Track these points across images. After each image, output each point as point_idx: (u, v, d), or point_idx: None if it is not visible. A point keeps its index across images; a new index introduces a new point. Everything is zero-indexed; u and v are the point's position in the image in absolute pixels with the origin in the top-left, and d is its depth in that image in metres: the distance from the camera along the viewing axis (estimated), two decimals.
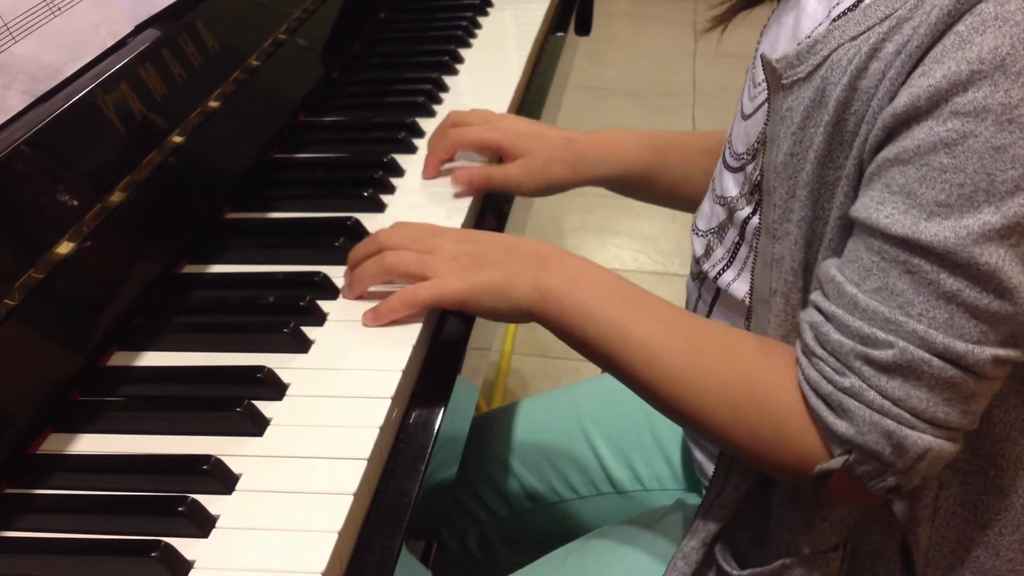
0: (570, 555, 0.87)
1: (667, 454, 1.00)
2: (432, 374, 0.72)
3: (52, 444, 0.65)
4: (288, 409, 0.66)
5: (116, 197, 0.73)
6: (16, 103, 0.69)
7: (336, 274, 0.78)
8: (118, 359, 0.72)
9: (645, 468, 1.01)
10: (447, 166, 0.93)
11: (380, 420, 0.64)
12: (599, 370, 0.79)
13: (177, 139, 0.81)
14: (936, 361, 0.59)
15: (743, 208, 0.76)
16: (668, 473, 1.00)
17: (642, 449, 1.01)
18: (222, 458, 0.61)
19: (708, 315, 0.83)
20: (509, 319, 0.74)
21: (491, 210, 0.92)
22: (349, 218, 0.85)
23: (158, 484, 0.61)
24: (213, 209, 0.88)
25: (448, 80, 1.12)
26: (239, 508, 0.59)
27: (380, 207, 0.89)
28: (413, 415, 0.68)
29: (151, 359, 0.72)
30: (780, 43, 0.76)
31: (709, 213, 0.83)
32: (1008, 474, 0.70)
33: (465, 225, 0.87)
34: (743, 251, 0.77)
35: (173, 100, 0.82)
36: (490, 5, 1.31)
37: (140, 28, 0.83)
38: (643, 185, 0.96)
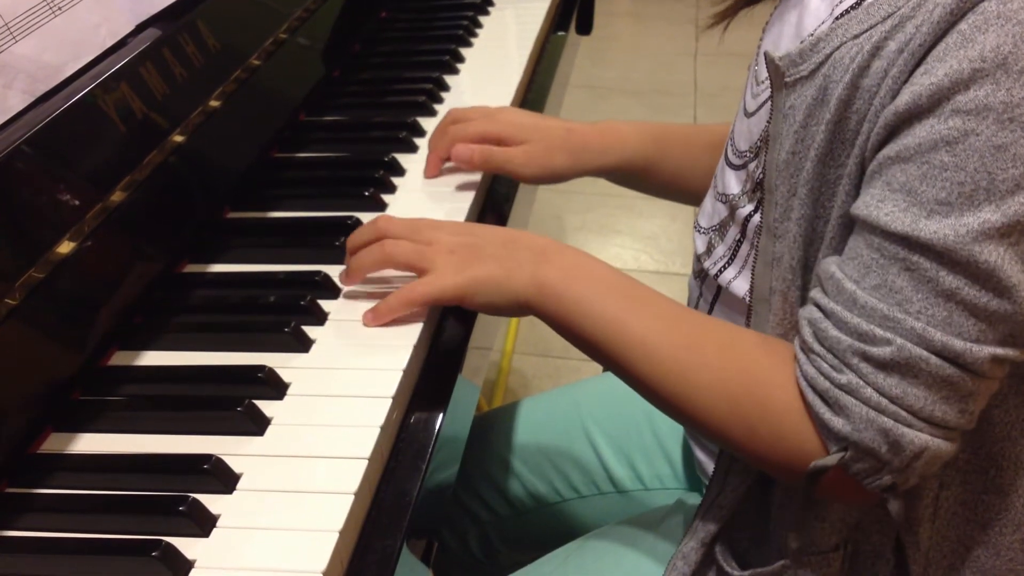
0: (571, 555, 0.87)
1: (668, 453, 1.00)
2: (433, 374, 0.72)
3: (53, 443, 0.65)
4: (289, 408, 0.66)
5: (117, 196, 0.73)
6: (16, 103, 0.69)
7: (337, 274, 0.78)
8: (119, 358, 0.72)
9: (646, 467, 1.01)
10: (448, 165, 0.93)
11: (381, 419, 0.64)
12: (600, 369, 0.79)
13: (178, 138, 0.81)
14: (934, 359, 0.59)
15: (745, 206, 0.76)
16: (669, 472, 1.00)
17: (643, 448, 1.01)
18: (223, 457, 0.61)
19: (709, 313, 0.83)
20: (507, 313, 0.74)
21: (492, 210, 0.92)
22: (350, 217, 0.85)
23: (159, 483, 0.61)
24: (214, 208, 0.88)
25: (449, 79, 1.12)
26: (240, 507, 0.59)
27: (381, 206, 0.89)
28: (414, 415, 0.68)
29: (152, 358, 0.72)
30: (783, 41, 0.76)
31: (711, 210, 0.83)
32: (1008, 474, 0.70)
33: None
34: (744, 249, 0.77)
35: (174, 99, 0.82)
36: (491, 4, 1.31)
37: (141, 27, 0.83)
38: (644, 176, 0.96)
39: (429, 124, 1.01)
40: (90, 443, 0.65)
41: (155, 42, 0.82)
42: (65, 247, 0.67)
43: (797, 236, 0.68)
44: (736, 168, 0.79)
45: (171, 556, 0.55)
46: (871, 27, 0.63)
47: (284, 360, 0.70)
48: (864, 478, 0.62)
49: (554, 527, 1.01)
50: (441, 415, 0.68)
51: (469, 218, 0.88)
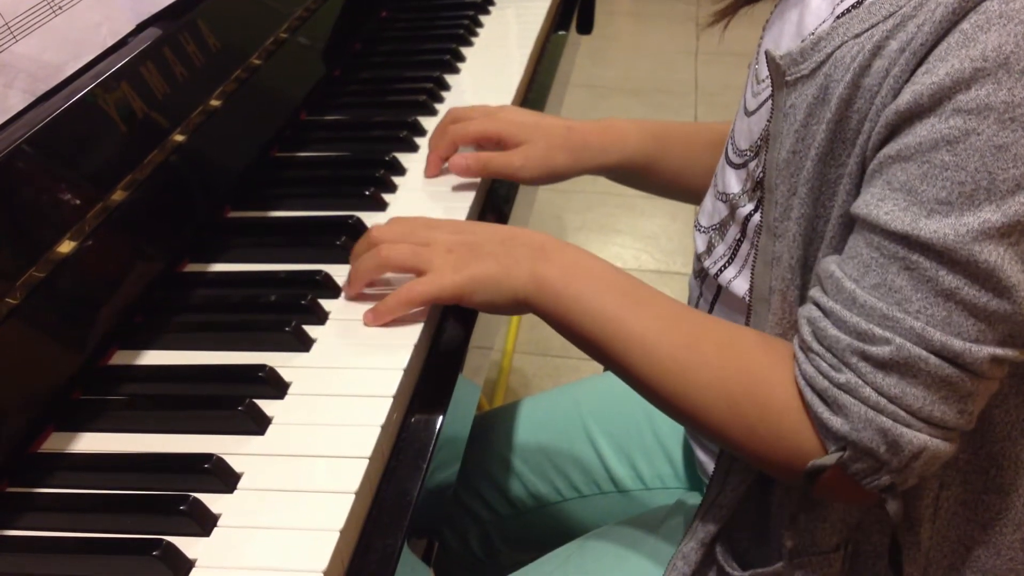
0: (571, 554, 0.87)
1: (669, 453, 1.00)
2: (434, 373, 0.72)
3: (54, 443, 0.65)
4: (290, 408, 0.66)
5: (117, 196, 0.73)
6: (17, 102, 0.69)
7: (338, 273, 0.78)
8: (120, 358, 0.72)
9: (647, 467, 1.01)
10: (451, 159, 0.92)
11: (382, 419, 0.64)
12: (601, 369, 0.79)
13: (178, 138, 0.81)
14: (933, 359, 0.59)
15: (745, 205, 0.76)
16: (670, 472, 1.00)
17: (644, 448, 1.01)
18: (224, 457, 0.61)
19: (709, 313, 0.83)
20: (506, 311, 0.73)
21: (492, 210, 0.92)
22: (351, 217, 0.85)
23: (160, 483, 0.61)
24: (215, 208, 0.88)
25: (450, 79, 1.12)
26: (241, 507, 0.59)
27: (382, 206, 0.89)
28: (415, 414, 0.68)
29: (153, 358, 0.72)
30: (784, 39, 0.75)
31: (711, 209, 0.83)
32: (1009, 473, 0.70)
33: None
34: (744, 248, 0.77)
35: (174, 99, 0.81)
36: (492, 4, 1.31)
37: (141, 27, 0.83)
38: (644, 174, 0.96)
39: (430, 123, 1.01)
40: (91, 442, 0.65)
41: (156, 41, 0.82)
42: (66, 246, 0.67)
43: (797, 235, 0.68)
44: (736, 167, 0.79)
45: (172, 555, 0.55)
46: (872, 26, 0.63)
47: (285, 359, 0.70)
48: (863, 478, 0.62)
49: (555, 526, 1.01)
50: (442, 414, 0.68)
51: (470, 217, 0.88)
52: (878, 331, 0.60)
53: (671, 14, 3.66)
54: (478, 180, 0.91)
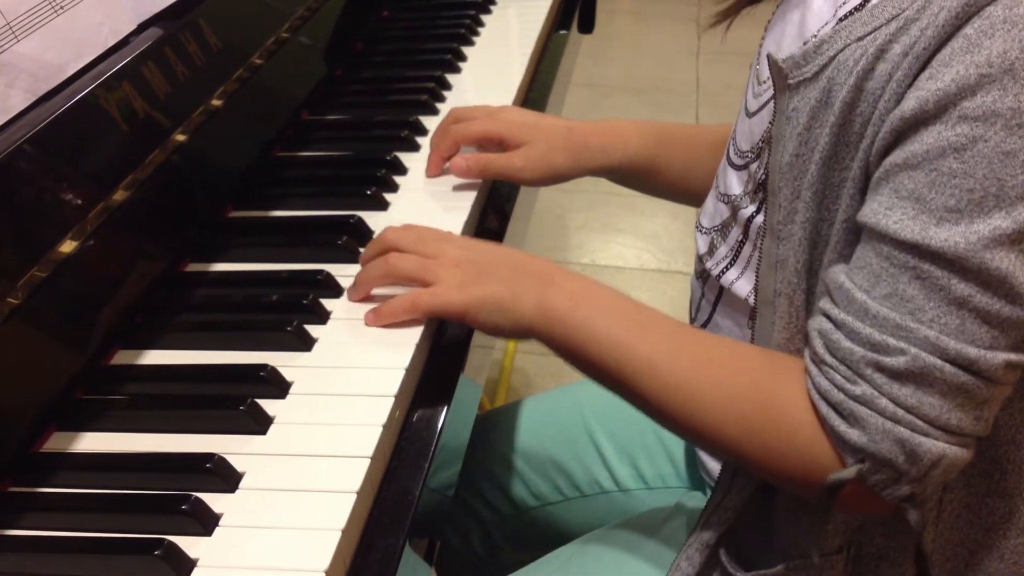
0: (573, 555, 0.87)
1: (670, 452, 1.00)
2: (435, 372, 0.72)
3: (56, 442, 0.65)
4: (291, 407, 0.66)
5: (119, 196, 0.73)
6: (19, 102, 0.69)
7: (339, 272, 0.78)
8: (121, 357, 0.72)
9: (649, 466, 1.00)
10: (452, 160, 0.92)
11: (383, 418, 0.64)
12: None
13: (180, 137, 0.81)
14: (948, 367, 0.58)
15: (747, 206, 0.76)
16: (672, 471, 1.00)
17: (646, 447, 1.01)
18: (225, 456, 0.61)
19: (711, 313, 0.83)
20: (510, 336, 0.73)
21: (494, 209, 0.92)
22: (352, 216, 0.85)
23: (161, 482, 0.61)
24: (216, 207, 0.87)
25: (451, 78, 1.12)
26: (242, 506, 0.59)
27: (383, 205, 0.88)
28: (416, 413, 0.68)
29: (154, 357, 0.72)
30: (785, 41, 0.75)
31: (713, 210, 0.83)
32: (1013, 477, 0.70)
33: (468, 223, 0.86)
34: (747, 249, 0.77)
35: (176, 98, 0.82)
36: (493, 3, 1.31)
37: (143, 27, 0.83)
38: (645, 176, 0.96)
39: (431, 123, 1.01)
40: (93, 442, 0.65)
41: (157, 41, 0.82)
42: (67, 246, 0.67)
43: (802, 239, 0.67)
44: (738, 168, 0.79)
45: (174, 555, 0.55)
46: (875, 29, 0.63)
47: (286, 359, 0.70)
48: (882, 489, 0.61)
49: (557, 526, 1.01)
50: (443, 414, 0.68)
51: (471, 216, 0.88)
52: (892, 342, 0.59)
53: (672, 13, 3.65)
54: (479, 180, 0.91)
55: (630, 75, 3.26)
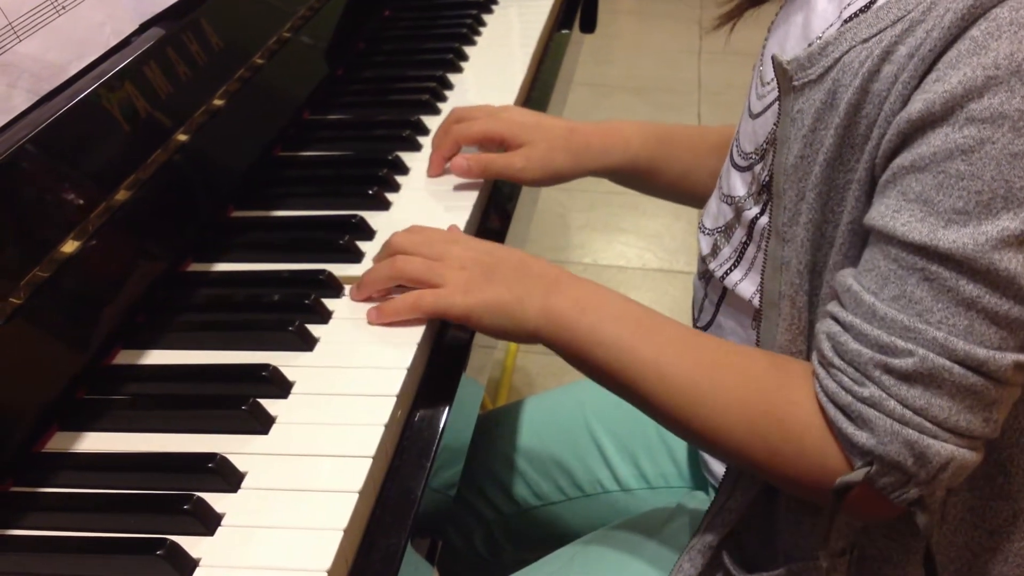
0: (575, 554, 0.87)
1: (672, 452, 1.00)
2: (437, 372, 0.72)
3: (58, 442, 0.65)
4: (293, 407, 0.66)
5: (121, 196, 0.73)
6: (20, 102, 0.69)
7: (341, 272, 0.78)
8: (123, 357, 0.72)
9: (651, 466, 1.00)
10: (453, 160, 0.92)
11: (385, 418, 0.64)
12: None
13: (182, 137, 0.81)
14: (957, 368, 0.58)
15: (751, 208, 0.76)
16: (674, 471, 1.00)
17: (647, 447, 1.01)
18: (227, 456, 0.61)
19: (715, 314, 0.83)
20: (513, 339, 0.73)
21: (496, 208, 0.92)
22: (354, 216, 0.85)
23: (163, 482, 0.61)
24: (218, 207, 0.88)
25: (453, 78, 1.11)
26: (244, 506, 0.59)
27: (385, 205, 0.88)
28: (418, 413, 0.68)
29: (156, 357, 0.72)
30: (789, 42, 0.75)
31: (716, 212, 0.83)
32: (1017, 480, 0.70)
33: (469, 223, 0.86)
34: (750, 251, 0.77)
35: (178, 98, 0.82)
36: (495, 2, 1.31)
37: (144, 26, 0.83)
38: (647, 177, 0.96)
39: (433, 122, 1.01)
40: (95, 442, 0.65)
41: (159, 41, 0.82)
42: (69, 246, 0.67)
43: (805, 240, 0.67)
44: (741, 170, 0.79)
45: (176, 555, 0.55)
46: (881, 31, 0.63)
47: (288, 359, 0.70)
48: (891, 492, 0.61)
49: (559, 526, 1.01)
50: (445, 413, 0.68)
51: (473, 216, 0.88)
52: (900, 343, 0.59)
53: (674, 13, 3.65)
54: (481, 180, 0.91)
55: (632, 74, 3.26)
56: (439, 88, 1.08)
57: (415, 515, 0.61)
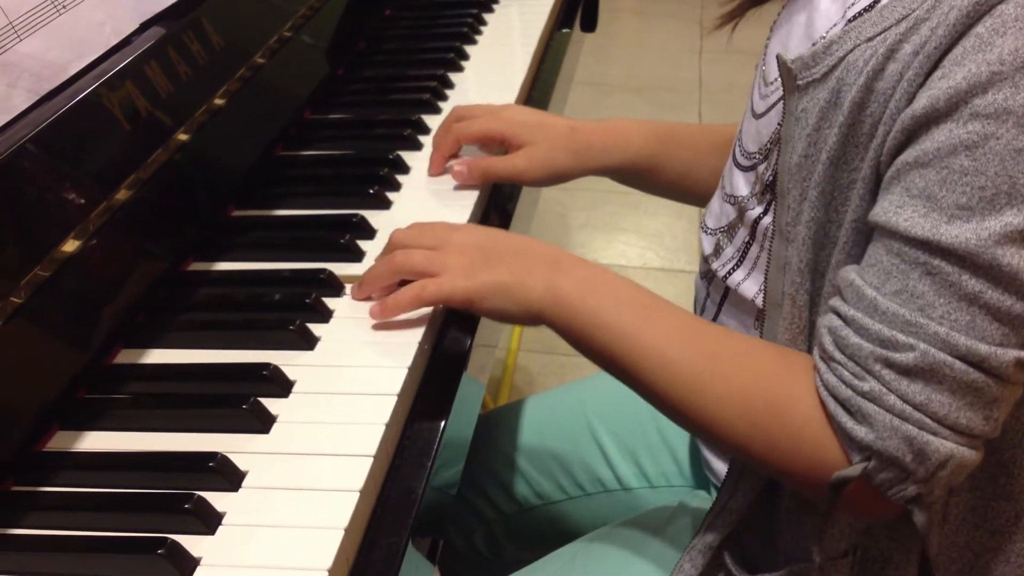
0: (577, 554, 0.87)
1: (674, 451, 1.00)
2: (438, 371, 0.72)
3: (59, 442, 0.65)
4: (294, 406, 0.66)
5: (122, 195, 0.73)
6: (21, 102, 0.69)
7: (342, 271, 0.78)
8: (124, 357, 0.72)
9: (652, 465, 1.00)
10: (452, 162, 0.93)
11: (386, 417, 0.64)
12: None
13: (182, 137, 0.81)
14: (958, 364, 0.58)
15: (754, 208, 0.76)
16: (675, 470, 1.00)
17: (649, 446, 1.01)
18: (228, 455, 0.61)
19: (717, 314, 0.83)
20: (518, 321, 0.73)
21: (496, 208, 0.92)
22: (355, 215, 0.85)
23: (164, 481, 0.61)
24: (218, 207, 0.88)
25: (453, 77, 1.11)
26: (245, 505, 0.59)
27: (386, 204, 0.88)
28: (419, 412, 0.68)
29: (157, 356, 0.72)
30: (792, 42, 0.75)
31: (719, 211, 0.83)
32: (1019, 481, 0.69)
33: (470, 222, 0.86)
34: (753, 251, 0.77)
35: (178, 98, 0.82)
36: (496, 1, 1.31)
37: (145, 26, 0.83)
38: (648, 176, 0.96)
39: (434, 122, 1.01)
40: (96, 441, 0.65)
41: (159, 40, 0.82)
42: (70, 246, 0.67)
43: (806, 239, 0.67)
44: (744, 169, 0.78)
45: (177, 554, 0.55)
46: (885, 29, 0.62)
47: (289, 358, 0.70)
48: (888, 488, 0.61)
49: (560, 525, 1.01)
50: (446, 413, 0.68)
51: (474, 216, 0.88)
52: (901, 337, 0.59)
53: (675, 12, 3.65)
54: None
55: (633, 73, 3.26)
56: (440, 87, 1.08)
57: (416, 514, 0.61)
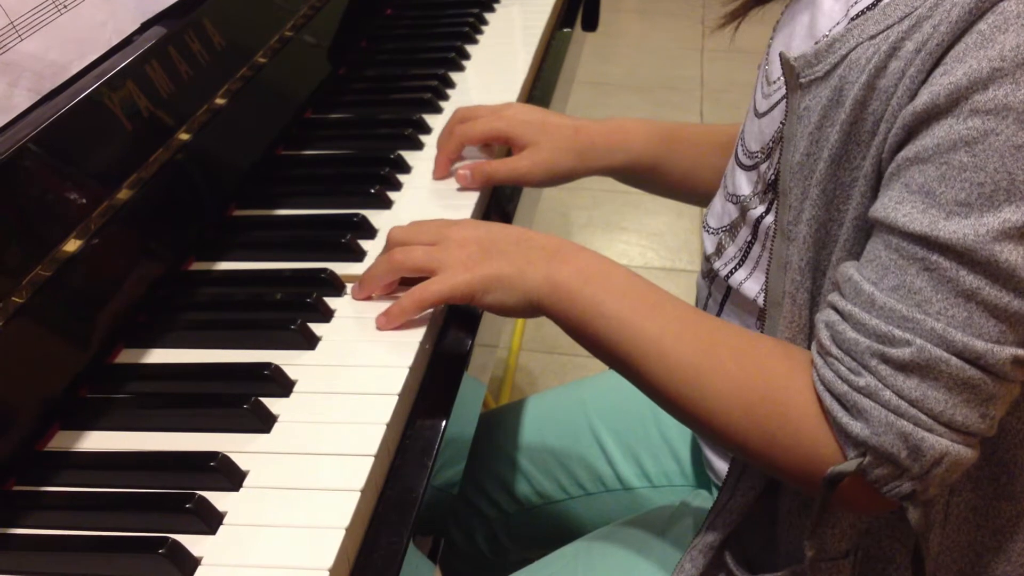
0: (578, 553, 0.87)
1: (675, 451, 1.00)
2: (439, 371, 0.72)
3: (60, 441, 0.65)
4: (295, 406, 0.66)
5: (123, 195, 0.73)
6: (22, 101, 0.69)
7: (343, 271, 0.78)
8: (125, 356, 0.72)
9: (653, 465, 1.00)
10: (456, 165, 0.92)
11: (387, 416, 0.64)
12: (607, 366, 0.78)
13: (184, 136, 0.81)
14: (954, 360, 0.58)
15: (756, 207, 0.75)
16: (676, 470, 1.00)
17: (649, 446, 1.01)
18: (229, 455, 0.61)
19: (718, 313, 0.82)
20: (517, 313, 0.73)
21: (497, 207, 0.92)
22: (356, 215, 0.85)
23: (165, 481, 0.61)
24: (220, 206, 0.88)
25: (455, 76, 1.11)
26: (246, 505, 0.59)
27: (387, 204, 0.88)
28: (420, 412, 0.68)
29: (158, 356, 0.72)
30: (795, 41, 0.75)
31: (721, 211, 0.82)
32: (1020, 480, 0.69)
33: None
34: (755, 250, 0.76)
35: (180, 97, 0.82)
36: (497, 1, 1.31)
37: (146, 25, 0.83)
38: (651, 176, 0.96)
39: (435, 121, 1.01)
40: (97, 440, 0.65)
41: (161, 40, 0.82)
42: (71, 245, 0.67)
43: (807, 237, 0.67)
44: (747, 169, 0.78)
45: (177, 553, 0.55)
46: (888, 27, 0.62)
47: (290, 357, 0.70)
48: (883, 485, 0.61)
49: (561, 524, 1.01)
50: (447, 412, 0.68)
51: (474, 216, 0.88)
52: (898, 333, 0.59)
53: (676, 11, 3.65)
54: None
55: (634, 73, 3.26)
56: (441, 87, 1.08)
57: (417, 514, 0.61)
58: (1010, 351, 0.58)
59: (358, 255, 0.81)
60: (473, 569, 1.08)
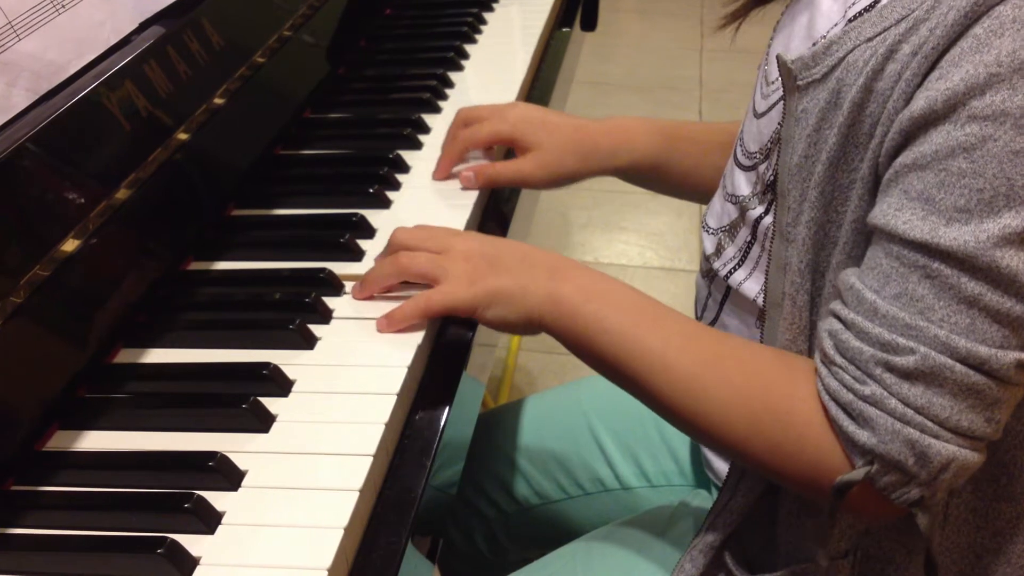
0: (577, 553, 0.87)
1: (674, 451, 1.00)
2: (438, 371, 0.72)
3: (59, 441, 0.65)
4: (294, 405, 0.66)
5: (121, 194, 0.73)
6: (20, 101, 0.69)
7: (342, 271, 0.78)
8: (124, 356, 0.72)
9: (652, 465, 1.00)
10: (459, 167, 0.92)
11: (386, 416, 0.64)
12: None
13: (182, 136, 0.81)
14: (959, 367, 0.58)
15: (755, 207, 0.75)
16: (675, 469, 1.00)
17: (648, 446, 1.01)
18: (228, 455, 0.61)
19: (718, 313, 0.83)
20: (518, 330, 0.73)
21: (496, 207, 0.92)
22: (354, 214, 0.84)
23: (164, 481, 0.61)
24: (218, 206, 0.88)
25: (454, 76, 1.11)
26: (245, 504, 0.59)
27: (386, 203, 0.88)
28: (419, 412, 0.68)
29: (157, 356, 0.72)
30: (794, 42, 0.75)
31: (720, 211, 0.82)
32: (1020, 481, 0.69)
33: (470, 221, 0.86)
34: (755, 250, 0.76)
35: (178, 97, 0.81)
36: (495, 0, 1.31)
37: (144, 25, 0.83)
38: (653, 175, 0.96)
39: (434, 121, 1.01)
40: (96, 440, 0.65)
41: (159, 40, 0.82)
42: (70, 245, 0.67)
43: (806, 239, 0.67)
44: (746, 169, 0.78)
45: (176, 553, 0.55)
46: (885, 30, 0.62)
47: (289, 357, 0.70)
48: (891, 492, 0.61)
49: (560, 524, 1.01)
50: (446, 412, 0.68)
51: (473, 214, 0.88)
52: (902, 341, 0.59)
53: (676, 11, 3.65)
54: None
55: (633, 72, 3.26)
56: (440, 86, 1.08)
57: (416, 513, 0.61)
58: (1013, 355, 0.58)
59: (357, 255, 0.81)
60: (472, 569, 1.08)
